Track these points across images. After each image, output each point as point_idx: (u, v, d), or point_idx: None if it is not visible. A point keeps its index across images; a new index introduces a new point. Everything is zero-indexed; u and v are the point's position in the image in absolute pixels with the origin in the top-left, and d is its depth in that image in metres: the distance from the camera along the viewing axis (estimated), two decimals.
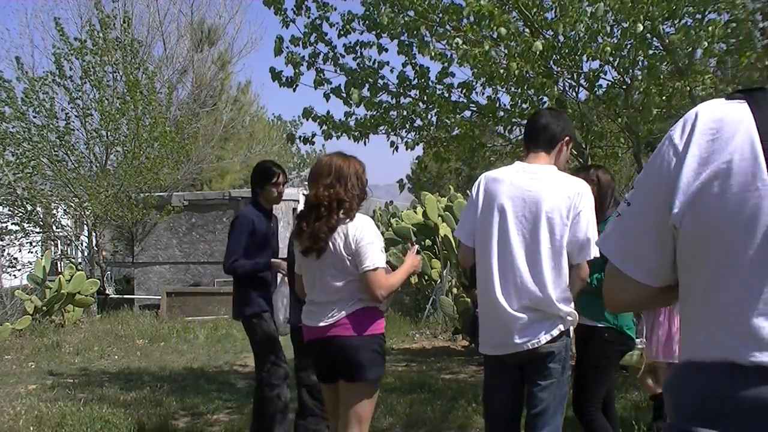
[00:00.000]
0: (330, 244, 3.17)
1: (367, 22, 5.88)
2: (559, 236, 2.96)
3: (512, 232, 2.99)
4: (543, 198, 2.98)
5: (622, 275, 1.38)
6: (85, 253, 13.22)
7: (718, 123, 1.21)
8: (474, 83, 5.73)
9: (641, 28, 4.74)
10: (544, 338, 2.97)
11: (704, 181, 1.20)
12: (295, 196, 12.52)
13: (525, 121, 5.96)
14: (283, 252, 4.42)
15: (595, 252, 3.04)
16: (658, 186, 1.26)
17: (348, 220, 3.18)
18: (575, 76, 5.53)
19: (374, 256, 3.16)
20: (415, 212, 12.28)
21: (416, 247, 3.64)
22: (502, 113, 5.83)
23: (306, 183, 3.94)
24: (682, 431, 1.23)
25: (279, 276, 4.52)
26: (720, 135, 1.20)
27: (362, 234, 3.17)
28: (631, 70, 5.30)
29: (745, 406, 1.16)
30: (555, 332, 2.99)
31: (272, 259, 4.43)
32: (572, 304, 3.05)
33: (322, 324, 3.26)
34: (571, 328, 3.18)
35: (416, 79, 6.08)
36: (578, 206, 2.97)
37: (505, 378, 3.13)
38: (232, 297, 4.64)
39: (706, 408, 1.21)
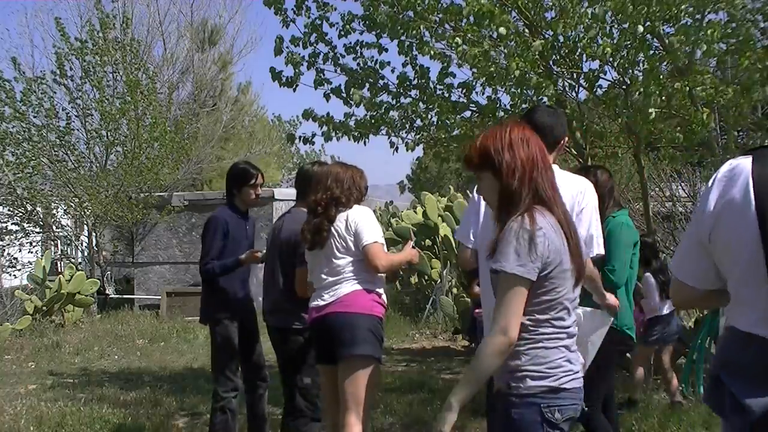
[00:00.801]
0: (332, 231, 3.48)
1: (367, 22, 5.87)
2: None
3: None
4: None
5: (677, 280, 1.86)
6: (85, 253, 13.21)
7: (731, 171, 1.73)
8: (474, 83, 5.72)
9: (641, 29, 4.74)
10: None
11: (719, 209, 1.71)
12: (293, 196, 12.52)
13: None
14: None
15: (599, 249, 3.05)
16: (698, 214, 1.78)
17: (345, 210, 3.50)
18: (575, 76, 5.53)
19: (372, 232, 3.44)
20: (415, 212, 12.27)
21: (411, 242, 3.86)
22: (502, 113, 5.83)
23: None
24: (712, 374, 1.75)
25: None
26: (731, 179, 1.71)
27: (360, 217, 3.48)
28: (630, 71, 5.29)
29: (744, 360, 1.66)
30: None
31: (240, 256, 4.29)
32: None
33: (322, 303, 3.48)
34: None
35: (416, 79, 6.08)
36: (581, 203, 2.99)
37: None
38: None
39: (725, 358, 1.72)
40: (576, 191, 3.01)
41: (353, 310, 3.43)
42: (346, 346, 3.41)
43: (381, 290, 3.57)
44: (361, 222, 3.45)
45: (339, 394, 3.48)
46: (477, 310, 3.90)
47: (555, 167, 3.10)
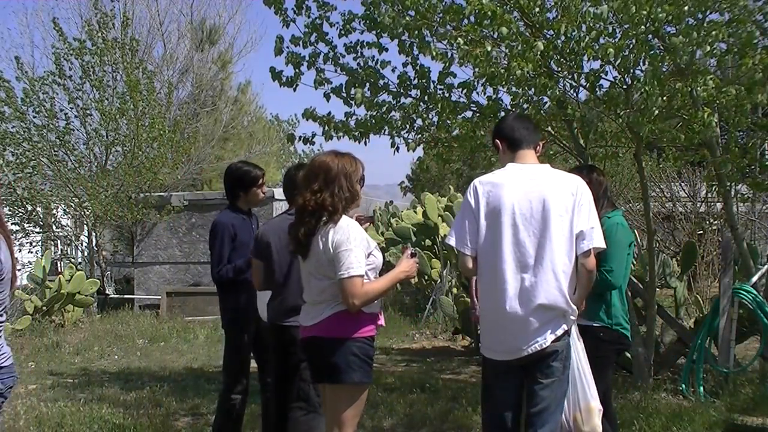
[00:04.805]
0: (313, 247, 3.19)
1: (367, 21, 5.86)
2: (568, 232, 3.02)
3: (523, 234, 3.02)
4: (548, 197, 3.04)
5: None
6: (85, 253, 13.21)
7: None
8: (474, 83, 5.72)
9: (643, 29, 4.73)
10: (550, 338, 3.02)
11: None
12: None
13: None
14: None
15: (601, 242, 3.08)
16: None
17: (331, 224, 3.16)
18: (575, 76, 5.52)
19: (350, 263, 3.09)
20: (415, 212, 12.28)
21: (410, 250, 3.47)
22: (503, 113, 5.82)
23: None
24: None
25: None
26: None
27: (342, 239, 3.12)
28: (632, 71, 5.28)
29: None
30: (559, 332, 3.04)
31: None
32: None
33: (309, 324, 3.29)
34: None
35: (416, 79, 6.07)
36: (581, 201, 3.06)
37: (508, 378, 3.15)
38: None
39: None
40: (574, 188, 3.08)
41: (335, 335, 3.19)
42: (330, 373, 3.22)
43: (369, 308, 3.24)
44: (340, 247, 3.10)
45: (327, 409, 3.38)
46: (476, 311, 3.84)
47: (547, 167, 3.20)
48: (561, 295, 3.00)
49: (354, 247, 3.12)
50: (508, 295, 3.01)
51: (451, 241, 3.20)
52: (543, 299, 2.98)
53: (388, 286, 3.30)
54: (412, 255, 3.39)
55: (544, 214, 3.01)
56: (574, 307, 3.07)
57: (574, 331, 3.24)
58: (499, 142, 3.28)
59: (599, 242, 3.07)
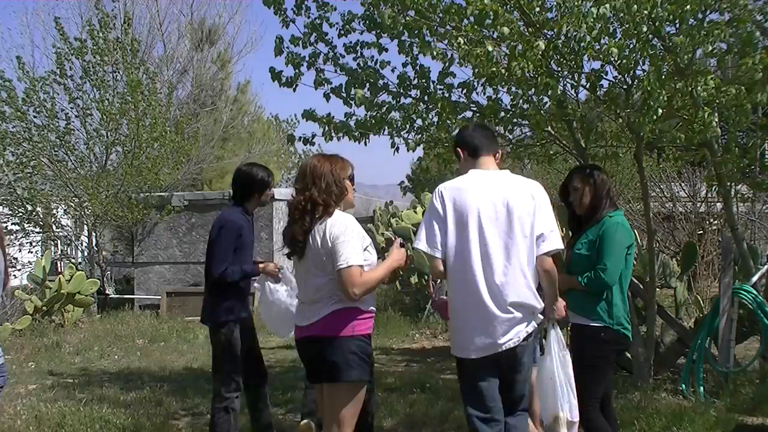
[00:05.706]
0: (309, 244, 3.24)
1: (367, 21, 5.86)
2: (529, 233, 3.17)
3: (490, 235, 3.15)
4: (511, 199, 3.18)
5: None
6: (85, 253, 13.21)
7: None
8: (474, 83, 5.72)
9: (645, 29, 4.73)
10: (523, 335, 3.17)
11: None
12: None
13: (525, 122, 5.98)
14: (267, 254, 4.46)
15: (558, 243, 3.22)
16: None
17: (326, 217, 3.23)
18: (576, 76, 5.52)
19: (348, 253, 3.15)
20: (415, 212, 12.27)
21: (399, 240, 3.55)
22: (503, 113, 5.82)
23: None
24: None
25: (267, 284, 4.42)
26: None
27: (338, 232, 3.19)
28: (633, 71, 5.28)
29: None
30: (530, 329, 3.21)
31: (261, 265, 4.40)
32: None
33: (305, 323, 3.32)
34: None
35: (416, 79, 6.06)
36: (540, 204, 3.22)
37: (486, 374, 3.25)
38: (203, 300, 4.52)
39: None
40: (534, 192, 3.24)
41: (333, 334, 3.21)
42: (329, 371, 3.24)
43: (366, 306, 3.30)
44: (337, 239, 3.16)
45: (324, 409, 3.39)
46: (439, 297, 3.88)
47: (507, 172, 3.35)
48: (531, 292, 3.16)
49: (351, 238, 3.20)
50: (480, 295, 3.13)
51: (421, 245, 3.27)
52: (515, 297, 3.12)
53: (384, 274, 3.35)
54: (402, 245, 3.48)
55: (508, 216, 3.15)
56: (541, 304, 3.23)
57: (561, 339, 3.44)
58: (460, 150, 3.42)
59: (557, 244, 3.22)
